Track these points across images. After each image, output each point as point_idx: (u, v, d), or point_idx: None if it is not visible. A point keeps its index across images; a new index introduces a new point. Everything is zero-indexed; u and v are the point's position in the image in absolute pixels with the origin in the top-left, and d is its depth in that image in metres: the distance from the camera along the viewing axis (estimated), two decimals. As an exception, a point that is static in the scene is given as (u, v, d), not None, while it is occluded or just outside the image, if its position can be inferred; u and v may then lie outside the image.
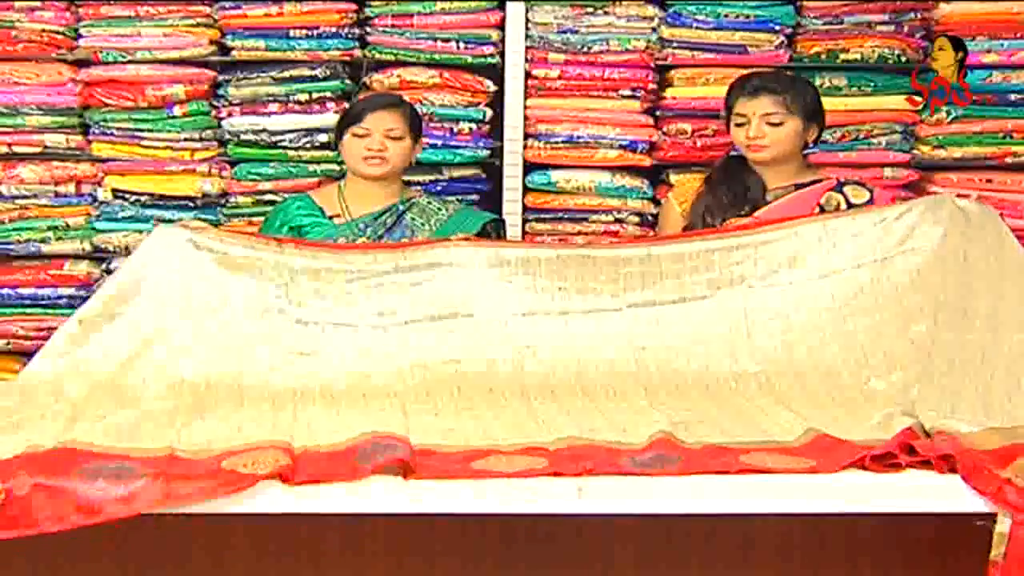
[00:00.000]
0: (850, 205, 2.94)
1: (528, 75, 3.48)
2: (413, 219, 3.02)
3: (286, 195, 3.42)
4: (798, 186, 2.99)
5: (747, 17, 3.43)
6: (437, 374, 2.53)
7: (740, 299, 2.62)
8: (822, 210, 2.92)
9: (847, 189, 2.98)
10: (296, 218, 3.02)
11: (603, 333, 2.61)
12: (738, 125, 2.99)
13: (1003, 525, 1.90)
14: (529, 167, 3.51)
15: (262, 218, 3.42)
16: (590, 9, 3.45)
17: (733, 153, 3.14)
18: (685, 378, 2.55)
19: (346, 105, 3.45)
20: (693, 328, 2.61)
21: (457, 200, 3.33)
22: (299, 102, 3.45)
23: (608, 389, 2.51)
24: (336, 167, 3.45)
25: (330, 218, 3.02)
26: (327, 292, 2.61)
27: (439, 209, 3.07)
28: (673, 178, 3.45)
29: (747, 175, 3.01)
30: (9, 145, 3.46)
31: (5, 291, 3.47)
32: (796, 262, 2.63)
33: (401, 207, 3.03)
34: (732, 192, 3.00)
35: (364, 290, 2.62)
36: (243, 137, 3.47)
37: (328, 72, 3.44)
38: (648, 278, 2.64)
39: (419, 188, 3.31)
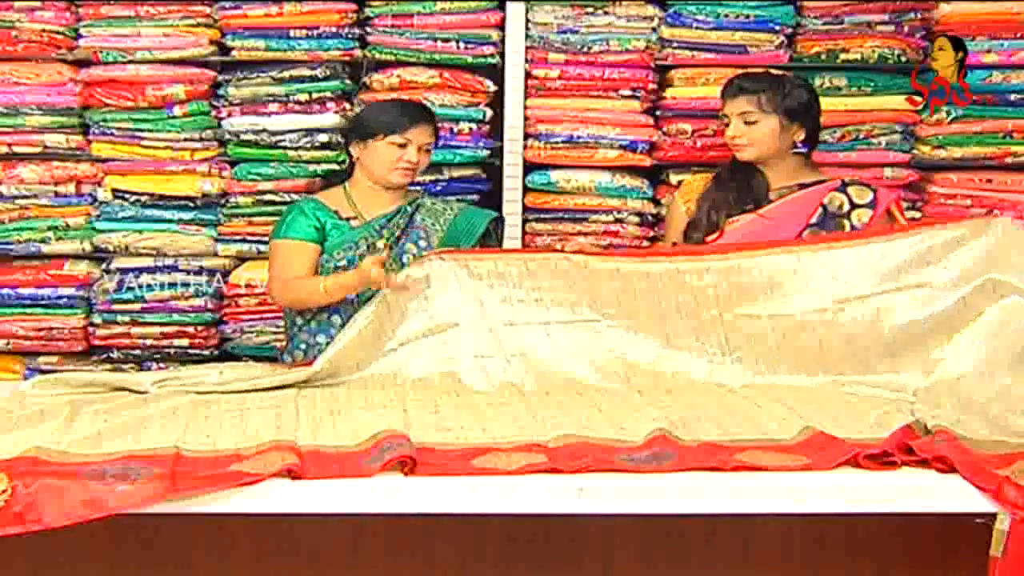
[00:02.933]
0: (853, 205, 2.94)
1: (528, 75, 3.48)
2: (423, 219, 3.02)
3: (288, 195, 3.43)
4: (802, 186, 3.00)
5: (747, 17, 3.43)
6: (436, 384, 2.57)
7: (720, 325, 2.63)
8: (825, 209, 2.93)
9: (850, 189, 2.98)
10: (318, 216, 3.00)
11: (585, 343, 2.63)
12: (725, 125, 3.02)
13: (1003, 523, 1.90)
14: (529, 167, 3.51)
15: (261, 218, 3.44)
16: (590, 9, 3.45)
17: None
18: (673, 383, 2.57)
19: (347, 105, 3.45)
20: (673, 347, 2.62)
21: (457, 199, 3.33)
22: (299, 102, 3.45)
23: (601, 391, 2.52)
24: (336, 167, 3.45)
25: (346, 220, 3.01)
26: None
27: (444, 209, 3.08)
28: (678, 177, 3.44)
29: (753, 174, 3.02)
30: (9, 145, 3.45)
31: (5, 291, 3.47)
32: (772, 293, 2.63)
33: (410, 208, 3.03)
34: (737, 190, 3.01)
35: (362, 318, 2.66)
36: (243, 137, 3.46)
37: (328, 72, 3.44)
38: (622, 295, 2.65)
39: (419, 188, 3.31)
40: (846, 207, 2.94)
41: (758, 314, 2.62)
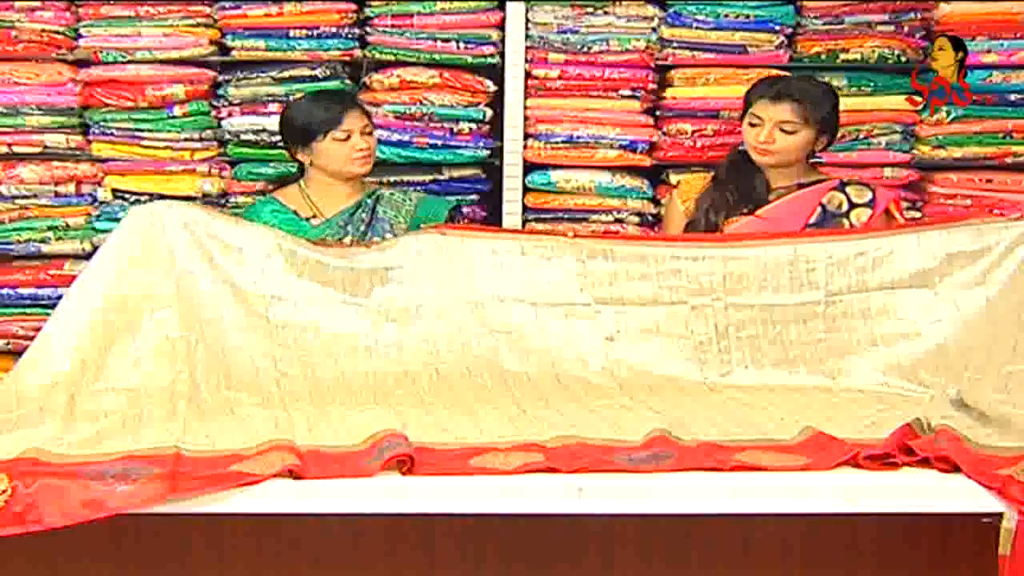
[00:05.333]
0: (852, 205, 2.95)
1: (528, 75, 3.48)
2: (385, 211, 3.05)
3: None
4: (801, 185, 3.01)
5: (747, 17, 3.43)
6: (414, 353, 2.56)
7: (711, 312, 2.62)
8: (824, 209, 2.94)
9: (849, 189, 2.99)
10: (276, 218, 3.00)
11: (572, 327, 2.62)
12: (752, 125, 2.99)
13: (1010, 521, 1.90)
14: (529, 167, 3.51)
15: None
16: (590, 9, 3.45)
17: (741, 147, 3.12)
18: (658, 378, 2.57)
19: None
20: (663, 335, 2.62)
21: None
22: (299, 102, 3.45)
23: (583, 382, 2.53)
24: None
25: (306, 219, 3.02)
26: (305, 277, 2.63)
27: (404, 199, 3.12)
28: (678, 177, 3.44)
29: (752, 173, 3.02)
30: (9, 145, 3.45)
31: (5, 291, 3.46)
32: (766, 284, 2.62)
33: (370, 201, 3.05)
34: (738, 190, 3.01)
35: (339, 276, 2.63)
36: (243, 137, 3.47)
37: (328, 72, 3.44)
38: (615, 277, 2.64)
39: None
40: (845, 206, 2.95)
41: (750, 304, 2.62)
